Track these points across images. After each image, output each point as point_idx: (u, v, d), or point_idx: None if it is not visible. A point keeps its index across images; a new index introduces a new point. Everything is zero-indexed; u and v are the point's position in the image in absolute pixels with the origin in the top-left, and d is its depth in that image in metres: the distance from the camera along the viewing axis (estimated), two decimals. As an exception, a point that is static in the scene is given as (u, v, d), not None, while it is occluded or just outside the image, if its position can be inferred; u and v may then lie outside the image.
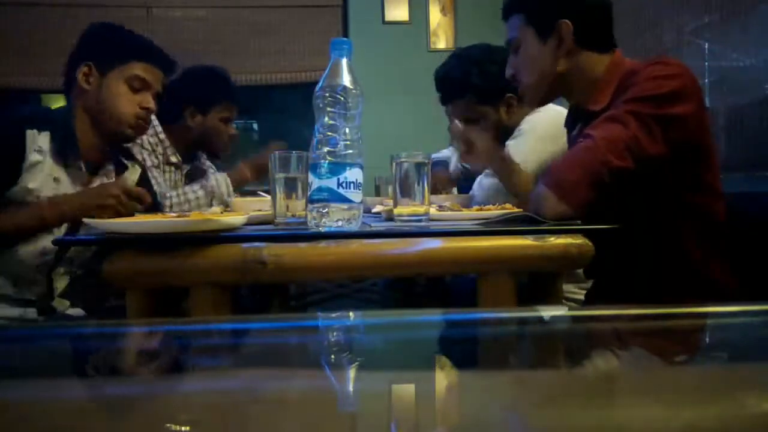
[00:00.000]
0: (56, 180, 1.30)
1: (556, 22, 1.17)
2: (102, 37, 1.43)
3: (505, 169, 1.35)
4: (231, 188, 1.78)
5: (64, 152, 1.32)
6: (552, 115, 1.56)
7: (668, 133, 1.02)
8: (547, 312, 0.67)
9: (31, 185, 1.26)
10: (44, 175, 1.28)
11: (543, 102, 1.33)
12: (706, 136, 1.10)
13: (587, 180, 1.01)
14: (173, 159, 1.87)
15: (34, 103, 3.70)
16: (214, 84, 1.94)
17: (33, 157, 1.27)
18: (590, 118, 1.12)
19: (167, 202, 1.70)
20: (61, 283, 1.35)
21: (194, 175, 1.94)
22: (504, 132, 1.65)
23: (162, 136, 1.85)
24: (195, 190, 1.73)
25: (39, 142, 1.28)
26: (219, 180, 1.77)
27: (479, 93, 1.63)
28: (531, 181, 1.33)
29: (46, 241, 1.28)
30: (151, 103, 1.43)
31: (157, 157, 1.84)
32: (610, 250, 0.95)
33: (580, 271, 1.45)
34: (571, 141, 1.26)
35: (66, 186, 1.32)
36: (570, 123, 1.32)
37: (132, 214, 1.16)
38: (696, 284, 1.11)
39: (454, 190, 2.00)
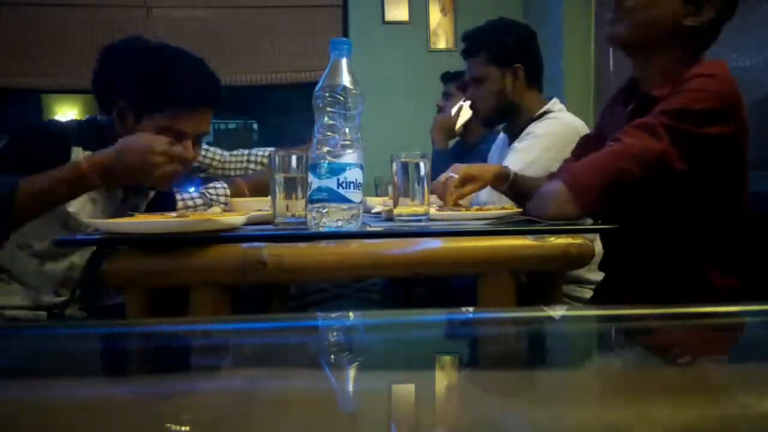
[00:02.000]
0: (93, 201, 1.25)
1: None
2: (141, 78, 1.27)
3: (504, 179, 1.33)
4: (228, 198, 1.77)
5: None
6: (564, 127, 1.58)
7: (701, 152, 0.99)
8: (548, 312, 0.67)
9: (70, 208, 1.19)
10: (85, 197, 1.21)
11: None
12: (740, 157, 1.07)
13: (605, 186, 1.00)
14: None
15: (34, 104, 3.69)
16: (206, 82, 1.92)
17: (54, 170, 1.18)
18: (647, 101, 1.08)
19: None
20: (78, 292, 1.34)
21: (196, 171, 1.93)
22: (507, 107, 1.68)
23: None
24: (194, 198, 1.72)
25: (79, 157, 1.19)
26: (218, 189, 1.77)
27: (491, 53, 1.69)
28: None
29: (75, 257, 1.25)
30: (189, 153, 1.29)
31: None
32: (625, 251, 0.94)
33: (580, 271, 1.45)
34: (619, 119, 1.20)
35: (102, 208, 1.28)
36: (624, 97, 1.25)
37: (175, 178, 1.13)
38: (701, 284, 1.10)
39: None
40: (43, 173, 1.10)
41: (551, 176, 1.30)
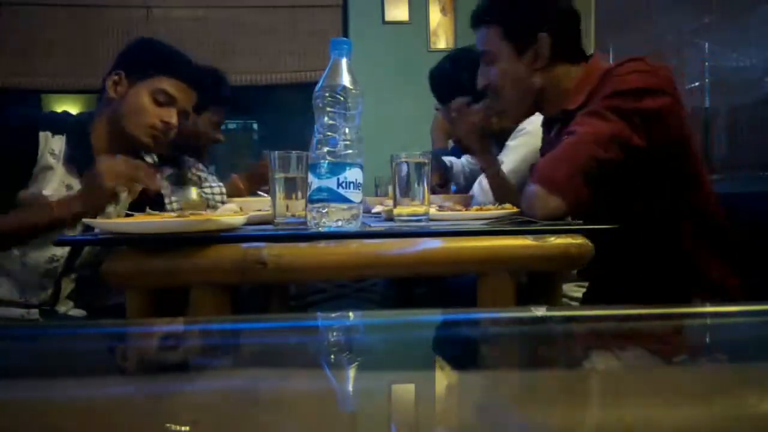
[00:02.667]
0: (68, 187, 1.29)
1: (533, 35, 1.16)
2: (139, 49, 1.42)
3: (490, 162, 1.35)
4: (225, 197, 1.77)
5: (77, 159, 1.30)
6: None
7: (648, 125, 1.03)
8: (547, 312, 0.67)
9: (44, 191, 1.24)
10: (57, 181, 1.27)
11: (524, 117, 1.34)
12: (685, 129, 1.11)
13: (577, 174, 1.01)
14: (148, 159, 1.86)
15: (34, 104, 3.70)
16: (213, 85, 1.94)
17: (46, 160, 1.25)
18: (568, 118, 1.12)
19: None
20: (67, 287, 1.35)
21: (176, 182, 1.93)
22: (499, 133, 1.66)
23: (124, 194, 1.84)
24: (188, 197, 1.72)
25: (52, 145, 1.27)
26: (214, 188, 1.77)
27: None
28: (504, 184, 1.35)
29: (56, 249, 1.28)
30: (173, 119, 1.39)
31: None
32: (605, 250, 0.94)
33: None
34: (550, 142, 1.26)
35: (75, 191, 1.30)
36: (547, 125, 1.33)
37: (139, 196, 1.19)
38: (693, 282, 1.11)
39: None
40: (13, 215, 1.21)
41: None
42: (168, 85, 1.37)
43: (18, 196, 1.24)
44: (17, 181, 1.24)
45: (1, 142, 1.25)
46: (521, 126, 1.61)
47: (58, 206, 1.19)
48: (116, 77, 1.36)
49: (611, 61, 1.20)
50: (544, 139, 1.35)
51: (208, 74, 1.95)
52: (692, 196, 1.12)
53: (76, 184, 1.30)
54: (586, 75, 1.17)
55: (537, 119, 1.59)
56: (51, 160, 1.26)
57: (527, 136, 1.56)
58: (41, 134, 1.26)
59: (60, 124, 1.31)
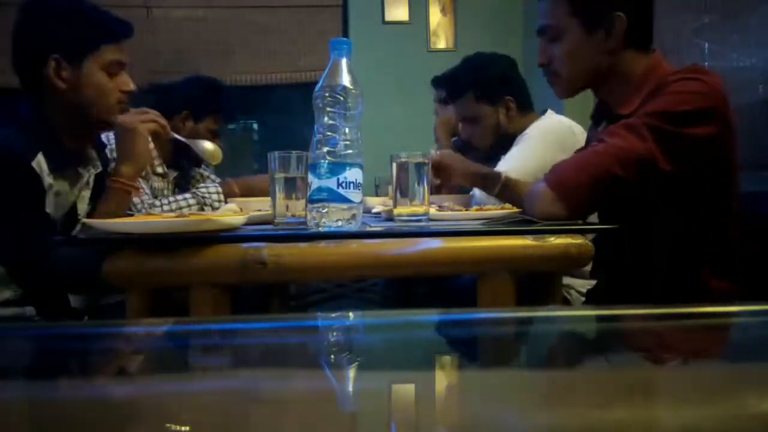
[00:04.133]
0: (57, 194, 1.26)
1: (606, 13, 1.08)
2: (67, 23, 1.28)
3: (489, 184, 1.27)
4: (222, 198, 1.77)
5: (60, 165, 1.25)
6: (559, 124, 1.59)
7: (685, 152, 0.99)
8: (547, 312, 0.67)
9: (48, 210, 1.22)
10: (51, 195, 1.23)
11: (573, 95, 1.23)
12: (728, 158, 1.06)
13: (588, 185, 1.00)
14: (159, 170, 1.86)
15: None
16: (213, 93, 1.96)
17: (46, 182, 1.21)
18: (617, 121, 1.07)
19: (157, 210, 1.68)
20: None
21: (182, 183, 1.94)
22: (505, 138, 1.67)
23: (150, 146, 1.84)
24: (187, 199, 1.72)
25: (41, 165, 1.20)
26: (210, 190, 1.77)
27: (478, 91, 1.70)
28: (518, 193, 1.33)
29: None
30: (131, 84, 1.33)
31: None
32: (617, 254, 0.94)
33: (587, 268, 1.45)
34: (593, 137, 1.22)
35: (66, 195, 1.28)
36: (597, 118, 1.26)
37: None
38: (695, 284, 1.11)
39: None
40: (104, 211, 1.21)
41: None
42: (114, 53, 1.29)
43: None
44: (36, 215, 1.21)
45: (13, 204, 1.19)
46: (526, 131, 1.62)
47: (120, 182, 1.22)
48: (54, 63, 1.24)
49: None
50: (590, 133, 1.30)
51: (206, 82, 1.97)
52: (719, 225, 1.08)
53: (64, 186, 1.28)
54: (645, 76, 1.10)
55: (544, 124, 1.61)
56: (49, 180, 1.22)
57: (531, 143, 1.57)
58: (33, 165, 1.18)
59: (31, 143, 1.23)
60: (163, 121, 1.32)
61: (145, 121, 1.28)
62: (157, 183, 1.87)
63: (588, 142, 1.31)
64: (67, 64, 1.25)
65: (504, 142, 1.68)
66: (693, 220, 1.08)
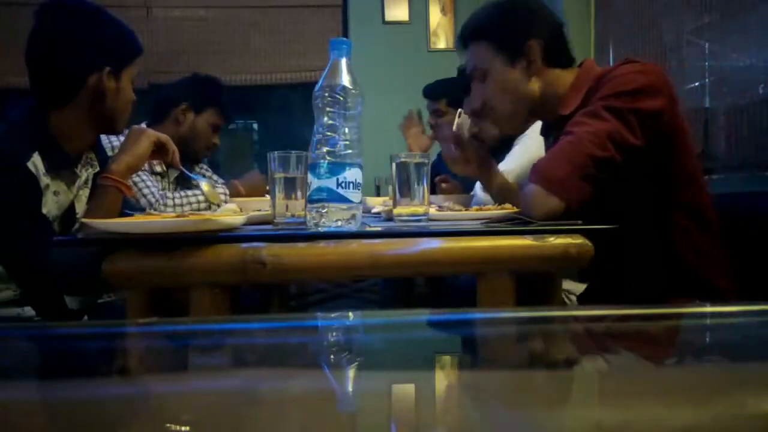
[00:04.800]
0: (56, 194, 1.27)
1: (521, 44, 1.17)
2: (109, 38, 1.36)
3: (496, 184, 1.32)
4: (228, 197, 1.78)
5: (57, 165, 1.27)
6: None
7: (644, 125, 1.04)
8: (547, 312, 0.67)
9: (45, 210, 1.23)
10: (49, 195, 1.25)
11: (522, 128, 1.33)
12: (680, 129, 1.12)
13: (576, 173, 1.01)
14: (158, 168, 1.88)
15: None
16: (213, 87, 1.98)
17: (43, 182, 1.23)
18: (563, 122, 1.12)
19: (169, 202, 1.70)
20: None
21: (183, 182, 1.95)
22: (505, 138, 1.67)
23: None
24: (197, 195, 1.74)
25: (37, 166, 1.23)
26: (218, 190, 1.78)
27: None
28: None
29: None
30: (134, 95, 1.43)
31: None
32: (603, 251, 0.94)
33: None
34: (548, 148, 1.26)
35: (64, 195, 1.30)
36: (545, 132, 1.33)
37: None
38: (689, 283, 1.11)
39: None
40: (96, 207, 1.24)
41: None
42: (137, 66, 1.39)
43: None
44: (36, 215, 1.22)
45: (8, 203, 1.20)
46: (526, 132, 1.62)
47: (111, 179, 1.24)
48: (101, 73, 1.31)
49: (611, 63, 1.20)
50: (545, 145, 1.35)
51: (205, 77, 1.99)
52: (687, 194, 1.13)
53: (62, 186, 1.29)
54: (579, 79, 1.18)
55: (538, 126, 1.61)
56: (46, 180, 1.23)
57: (528, 143, 1.57)
58: (29, 165, 1.21)
59: (27, 143, 1.25)
60: (173, 145, 1.35)
61: (157, 134, 1.33)
62: (158, 181, 1.88)
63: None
64: (112, 75, 1.33)
65: (504, 142, 1.68)
66: (668, 201, 1.12)
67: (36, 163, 1.22)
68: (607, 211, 0.99)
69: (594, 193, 1.03)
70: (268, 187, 1.62)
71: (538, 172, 1.05)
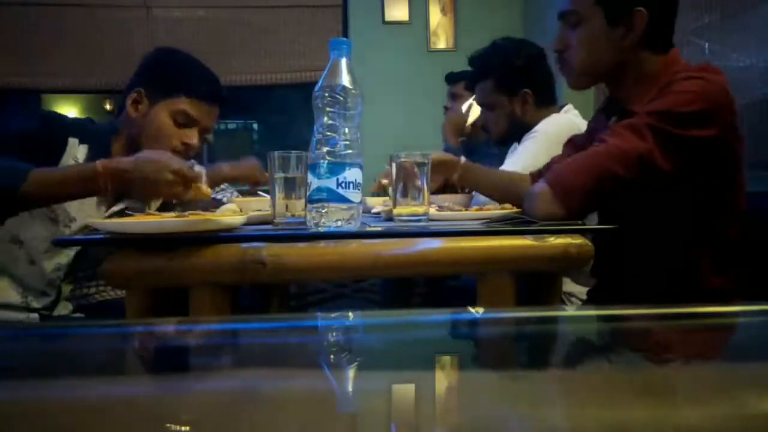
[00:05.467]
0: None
1: (629, 8, 1.09)
2: (159, 65, 1.39)
3: (451, 168, 1.35)
4: (231, 197, 1.77)
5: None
6: (567, 123, 1.59)
7: (685, 153, 0.99)
8: (547, 312, 0.67)
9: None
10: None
11: (584, 86, 1.23)
12: (731, 160, 1.06)
13: (588, 187, 1.00)
14: None
15: (33, 103, 3.69)
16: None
17: (67, 165, 1.23)
18: (629, 116, 1.07)
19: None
20: (65, 291, 1.35)
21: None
22: (519, 128, 1.69)
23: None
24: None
25: (76, 153, 1.25)
26: (226, 191, 1.78)
27: (498, 80, 1.70)
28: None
29: (62, 257, 1.27)
30: (195, 140, 1.37)
31: None
32: (618, 256, 0.94)
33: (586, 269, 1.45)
34: (600, 128, 1.21)
35: (91, 206, 1.28)
36: (608, 111, 1.25)
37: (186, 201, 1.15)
38: (700, 299, 1.10)
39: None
40: (58, 168, 1.18)
41: (538, 175, 1.31)
42: (188, 105, 1.35)
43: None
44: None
45: (30, 142, 1.22)
46: (535, 128, 1.62)
47: (104, 168, 1.10)
48: (136, 95, 1.34)
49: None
50: (597, 123, 1.28)
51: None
52: (721, 226, 1.09)
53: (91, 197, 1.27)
54: (660, 72, 1.10)
55: (553, 121, 1.61)
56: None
57: (532, 147, 1.57)
58: (70, 140, 1.25)
59: (86, 133, 1.29)
60: (205, 189, 1.16)
61: (162, 181, 1.10)
62: None
63: (592, 132, 1.29)
64: (146, 99, 1.34)
65: (518, 132, 1.69)
66: (694, 221, 1.08)
67: (78, 150, 1.26)
68: (618, 211, 0.98)
69: (610, 209, 1.02)
70: (262, 179, 1.63)
71: (553, 173, 1.04)
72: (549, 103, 1.71)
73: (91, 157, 1.27)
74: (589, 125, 1.37)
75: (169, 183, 1.11)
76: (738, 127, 1.06)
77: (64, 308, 1.34)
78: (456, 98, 2.37)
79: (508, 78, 1.69)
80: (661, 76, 1.09)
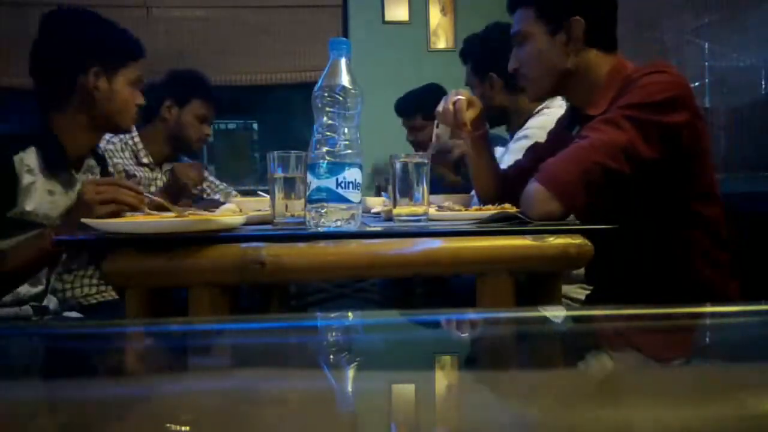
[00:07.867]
0: (50, 192, 1.28)
1: (567, 17, 1.16)
2: (102, 39, 1.38)
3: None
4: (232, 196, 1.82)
5: (52, 164, 1.29)
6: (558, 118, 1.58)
7: (664, 139, 1.03)
8: (547, 312, 0.67)
9: (28, 207, 1.23)
10: (39, 193, 1.26)
11: (544, 97, 1.34)
12: (701, 143, 1.11)
13: (581, 180, 1.01)
14: (145, 160, 1.91)
15: (34, 104, 3.69)
16: (192, 79, 2.01)
17: (25, 179, 1.23)
18: (588, 122, 1.11)
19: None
20: (52, 283, 1.35)
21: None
22: (498, 114, 1.71)
23: (136, 139, 1.92)
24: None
25: (27, 161, 1.24)
26: (219, 186, 1.82)
27: (474, 63, 1.78)
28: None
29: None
30: (142, 99, 1.44)
31: (123, 158, 1.88)
32: (609, 253, 0.94)
33: (581, 271, 1.45)
34: (568, 142, 1.25)
35: (60, 195, 1.30)
36: (568, 124, 1.32)
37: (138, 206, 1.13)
38: (695, 291, 1.11)
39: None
40: (9, 250, 1.19)
41: (516, 175, 1.32)
42: (138, 69, 1.41)
43: (7, 217, 1.21)
44: (4, 206, 1.22)
45: None
46: (526, 126, 1.62)
47: (49, 238, 1.15)
48: (93, 73, 1.33)
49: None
50: (559, 135, 1.33)
51: (183, 71, 2.03)
52: (703, 209, 1.12)
53: (57, 187, 1.29)
54: (610, 77, 1.16)
55: (543, 120, 1.61)
56: (30, 178, 1.24)
57: (525, 143, 1.57)
58: (15, 159, 1.23)
59: (25, 138, 1.27)
60: (131, 202, 1.15)
61: (105, 200, 1.13)
62: (146, 173, 1.90)
63: (554, 145, 1.29)
64: (104, 75, 1.35)
65: (496, 119, 1.72)
66: (679, 204, 1.11)
67: (26, 159, 1.24)
68: (613, 213, 0.98)
69: (597, 201, 1.03)
70: (202, 178, 1.77)
71: (544, 172, 1.05)
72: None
73: (44, 155, 1.26)
74: (549, 135, 1.39)
75: (93, 202, 1.12)
76: (701, 114, 1.12)
77: (49, 301, 1.35)
78: (419, 129, 2.38)
79: (480, 60, 1.74)
80: (613, 79, 1.15)
